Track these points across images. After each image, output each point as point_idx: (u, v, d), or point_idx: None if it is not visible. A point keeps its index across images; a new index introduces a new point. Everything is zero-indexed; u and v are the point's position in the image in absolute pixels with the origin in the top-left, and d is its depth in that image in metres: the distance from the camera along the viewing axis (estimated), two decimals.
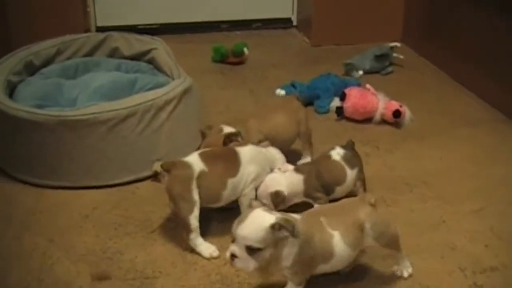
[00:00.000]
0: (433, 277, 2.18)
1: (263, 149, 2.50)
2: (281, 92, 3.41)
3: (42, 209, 2.58)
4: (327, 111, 3.40)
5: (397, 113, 3.23)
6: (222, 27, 4.68)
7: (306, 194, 2.45)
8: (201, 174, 2.29)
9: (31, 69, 3.20)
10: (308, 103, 3.43)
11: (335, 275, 2.12)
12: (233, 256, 1.86)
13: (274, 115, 2.75)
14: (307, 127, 2.83)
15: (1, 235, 2.41)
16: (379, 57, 3.92)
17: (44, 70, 3.24)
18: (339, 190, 2.49)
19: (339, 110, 3.32)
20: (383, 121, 3.29)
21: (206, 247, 2.29)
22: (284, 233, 1.84)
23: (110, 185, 2.69)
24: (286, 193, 2.38)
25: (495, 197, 2.65)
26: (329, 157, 2.53)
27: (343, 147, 2.55)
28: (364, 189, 2.53)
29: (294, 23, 4.77)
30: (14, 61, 3.12)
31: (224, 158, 2.38)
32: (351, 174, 2.51)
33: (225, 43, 4.16)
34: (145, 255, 2.29)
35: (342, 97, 3.32)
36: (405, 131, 3.24)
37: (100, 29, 4.31)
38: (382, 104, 3.28)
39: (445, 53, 3.93)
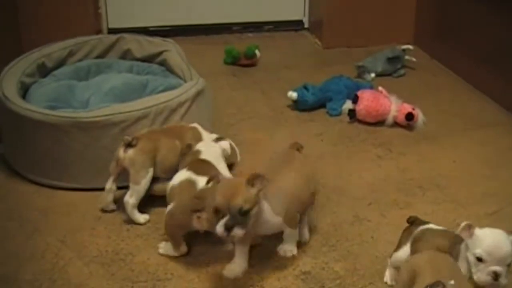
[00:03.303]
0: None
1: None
2: (293, 94, 3.40)
3: (54, 210, 2.58)
4: (339, 114, 3.38)
5: (409, 116, 3.21)
6: (234, 29, 4.67)
7: None
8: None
9: (43, 70, 3.20)
10: (320, 105, 3.44)
11: None
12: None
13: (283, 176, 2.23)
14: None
15: (13, 235, 2.41)
16: (391, 60, 3.90)
17: (56, 71, 3.24)
18: None
19: (352, 113, 3.31)
20: (396, 124, 3.27)
21: None
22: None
23: (122, 187, 2.69)
24: None
25: (509, 200, 2.64)
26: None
27: None
28: None
29: (306, 25, 4.75)
30: (26, 63, 3.12)
31: (210, 166, 2.38)
32: None
33: (237, 45, 4.16)
34: (157, 257, 2.29)
35: (355, 100, 3.31)
36: (417, 134, 3.22)
37: (112, 31, 4.31)
38: (394, 106, 3.27)
39: (457, 55, 3.91)
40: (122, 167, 2.50)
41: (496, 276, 1.88)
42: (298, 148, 2.42)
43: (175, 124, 2.72)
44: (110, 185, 2.55)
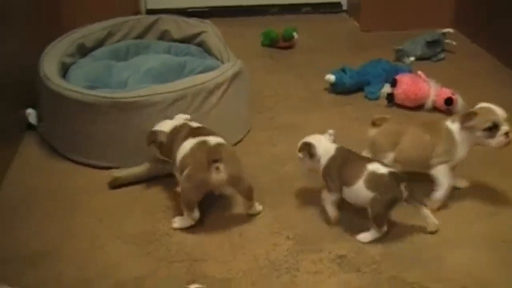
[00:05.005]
0: (484, 269, 2.15)
1: None
2: (331, 77, 3.37)
3: (92, 189, 2.61)
4: (378, 97, 3.35)
5: (449, 101, 3.17)
6: (272, 11, 4.65)
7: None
8: None
9: (83, 51, 3.24)
10: (358, 89, 3.41)
11: None
12: None
13: None
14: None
15: (53, 213, 2.45)
16: (431, 44, 3.85)
17: (95, 52, 3.27)
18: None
19: (390, 97, 3.28)
20: (435, 109, 3.23)
21: None
22: None
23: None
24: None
25: None
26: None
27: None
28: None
29: (344, 7, 4.71)
30: (66, 43, 3.16)
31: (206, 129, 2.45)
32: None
33: (274, 27, 4.14)
34: (193, 238, 2.31)
35: (393, 84, 3.27)
36: None
37: (150, 12, 4.33)
38: (433, 91, 3.23)
39: (498, 40, 3.84)
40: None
41: None
42: None
43: (434, 119, 2.61)
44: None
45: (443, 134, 2.44)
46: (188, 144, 2.34)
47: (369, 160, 2.32)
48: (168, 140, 2.46)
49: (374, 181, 2.24)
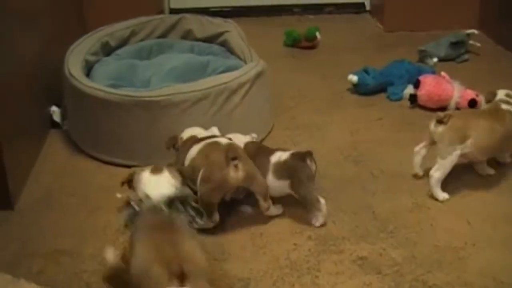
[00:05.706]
0: (508, 273, 2.12)
1: None
2: (353, 77, 3.36)
3: (115, 187, 2.61)
4: (401, 98, 3.33)
5: (473, 102, 3.15)
6: (295, 11, 4.65)
7: None
8: None
9: (107, 49, 3.26)
10: (380, 89, 3.40)
11: None
12: None
13: None
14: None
15: (76, 211, 2.47)
16: (455, 45, 3.82)
17: (119, 51, 3.29)
18: None
19: (413, 98, 3.26)
20: (457, 110, 3.21)
21: None
22: None
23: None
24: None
25: None
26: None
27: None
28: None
29: (367, 7, 4.69)
30: (91, 42, 3.18)
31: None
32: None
33: (297, 27, 4.14)
34: (214, 237, 2.31)
35: (416, 85, 3.26)
36: None
37: (174, 11, 4.34)
38: (457, 92, 3.21)
39: None
40: (432, 140, 2.55)
41: None
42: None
43: (494, 106, 2.68)
44: (418, 148, 2.62)
45: (508, 120, 2.56)
46: (196, 148, 2.35)
47: (271, 152, 2.42)
48: (181, 149, 2.48)
49: (281, 169, 2.35)
